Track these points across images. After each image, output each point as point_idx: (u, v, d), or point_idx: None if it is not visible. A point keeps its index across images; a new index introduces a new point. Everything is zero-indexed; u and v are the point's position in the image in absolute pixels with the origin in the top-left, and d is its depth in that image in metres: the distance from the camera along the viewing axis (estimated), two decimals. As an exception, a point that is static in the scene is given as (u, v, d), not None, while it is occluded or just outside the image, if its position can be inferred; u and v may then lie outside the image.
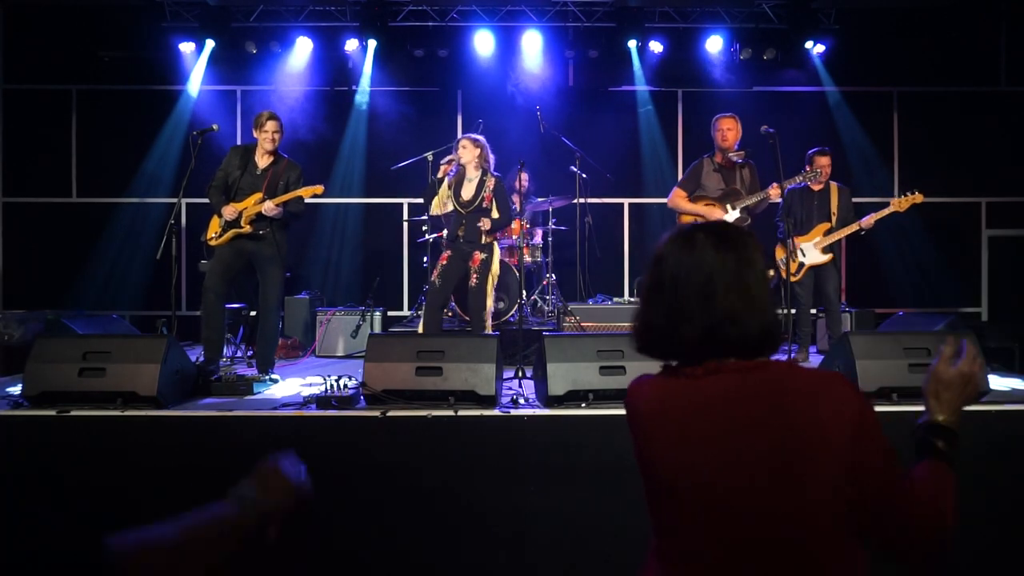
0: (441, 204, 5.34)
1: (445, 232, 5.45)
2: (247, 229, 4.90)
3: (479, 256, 5.27)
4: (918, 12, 7.81)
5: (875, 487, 1.28)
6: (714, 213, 5.13)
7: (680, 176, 6.54)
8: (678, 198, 5.24)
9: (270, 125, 4.98)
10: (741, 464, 1.30)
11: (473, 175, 5.27)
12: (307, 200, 5.08)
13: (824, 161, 5.90)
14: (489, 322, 5.36)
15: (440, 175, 5.35)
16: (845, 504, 1.27)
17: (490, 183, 5.25)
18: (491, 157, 5.30)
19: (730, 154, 5.10)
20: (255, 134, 5.03)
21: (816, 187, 5.99)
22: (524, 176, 6.07)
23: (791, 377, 1.35)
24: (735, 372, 1.37)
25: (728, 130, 5.11)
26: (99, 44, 7.91)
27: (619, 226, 8.25)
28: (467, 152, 5.24)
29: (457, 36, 7.85)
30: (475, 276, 5.27)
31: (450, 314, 6.51)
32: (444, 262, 5.28)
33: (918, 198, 5.68)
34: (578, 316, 6.12)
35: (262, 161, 5.03)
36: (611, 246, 8.09)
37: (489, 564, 3.50)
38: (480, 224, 5.23)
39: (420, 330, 5.42)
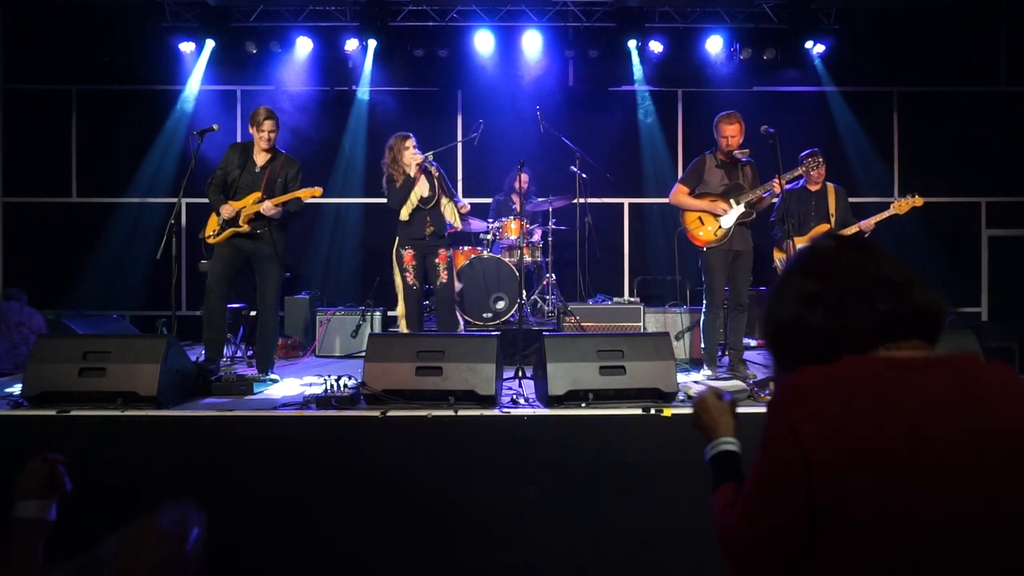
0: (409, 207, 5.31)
1: (405, 232, 5.35)
2: (245, 228, 4.90)
3: (445, 253, 5.37)
4: (918, 12, 7.80)
5: None
6: (719, 207, 5.11)
7: (680, 174, 6.54)
8: (681, 194, 5.22)
9: (267, 125, 4.95)
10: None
11: (419, 173, 5.29)
12: (306, 200, 5.08)
13: (817, 159, 5.91)
14: (460, 322, 5.42)
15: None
16: None
17: (435, 173, 5.36)
18: None
19: (735, 152, 5.09)
20: (251, 131, 5.00)
21: (813, 188, 5.99)
22: (524, 176, 6.07)
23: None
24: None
25: (732, 137, 5.08)
26: (99, 44, 7.91)
27: (619, 226, 8.25)
28: (409, 151, 5.23)
29: (457, 36, 7.85)
30: (445, 272, 5.36)
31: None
32: (413, 263, 5.31)
33: (918, 201, 5.68)
34: (578, 316, 6.12)
35: (260, 159, 5.02)
36: (611, 246, 8.08)
37: (489, 564, 3.50)
38: (456, 208, 5.39)
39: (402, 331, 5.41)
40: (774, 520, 1.22)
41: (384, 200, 5.50)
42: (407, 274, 5.30)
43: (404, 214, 5.29)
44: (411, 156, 5.22)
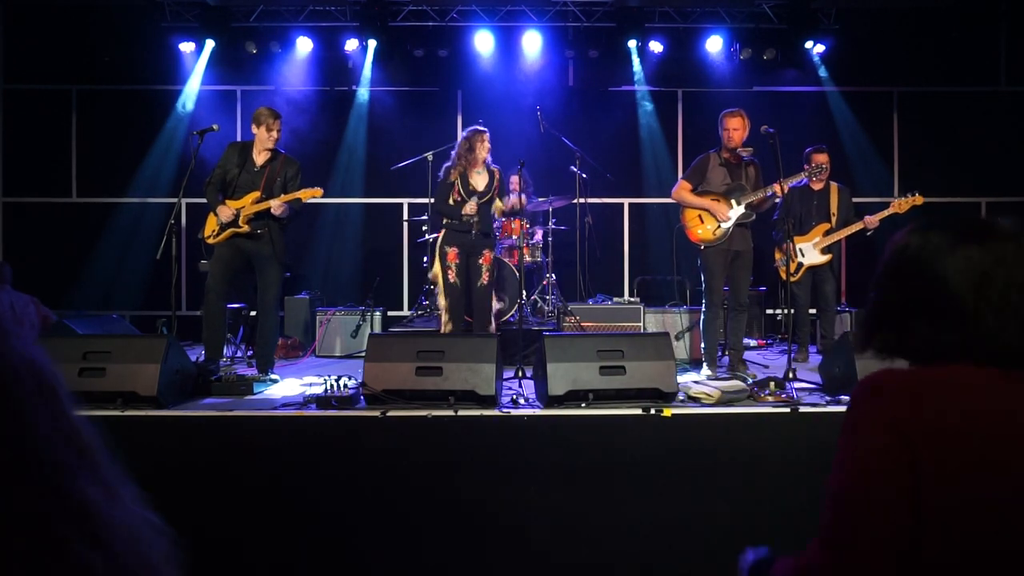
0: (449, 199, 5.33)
1: (451, 220, 5.33)
2: (245, 229, 4.90)
3: (489, 255, 5.34)
4: (918, 12, 7.81)
5: None
6: (720, 208, 5.11)
7: (680, 174, 6.54)
8: (683, 191, 5.21)
9: (277, 125, 4.99)
10: None
11: (482, 168, 5.33)
12: (306, 201, 5.08)
13: (822, 158, 5.90)
14: (494, 321, 5.38)
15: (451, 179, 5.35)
16: None
17: (496, 174, 5.38)
18: None
19: (739, 150, 5.09)
20: (256, 131, 4.99)
21: (816, 186, 5.98)
22: (514, 179, 6.07)
23: None
24: None
25: (735, 130, 5.09)
26: (99, 44, 7.91)
27: (619, 226, 8.25)
28: (485, 146, 5.30)
29: (457, 36, 7.85)
30: (486, 274, 5.32)
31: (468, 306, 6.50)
32: (457, 261, 5.29)
33: (918, 200, 5.68)
34: (578, 316, 6.11)
35: (260, 158, 5.02)
36: (611, 246, 8.08)
37: (488, 563, 3.50)
38: (495, 209, 5.41)
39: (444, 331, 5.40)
40: (879, 525, 1.07)
41: (389, 200, 5.48)
42: (449, 271, 5.30)
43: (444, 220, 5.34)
44: (485, 150, 5.28)
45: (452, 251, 5.31)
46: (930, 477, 1.05)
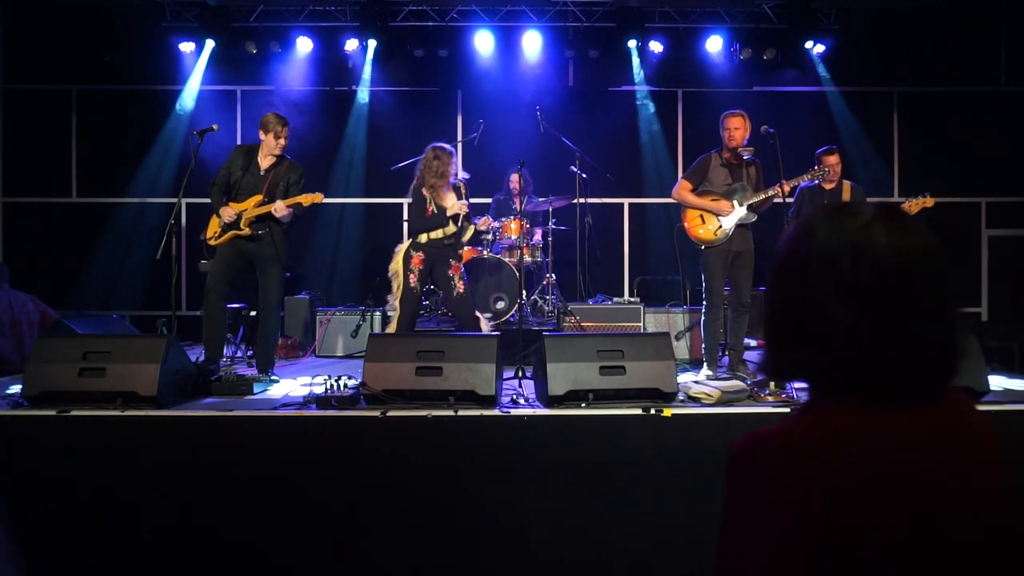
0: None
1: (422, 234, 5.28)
2: (246, 231, 4.91)
3: (457, 265, 5.29)
4: (918, 12, 7.81)
5: None
6: (722, 207, 5.10)
7: (680, 174, 6.53)
8: (684, 191, 5.21)
9: (286, 131, 5.03)
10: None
11: (448, 186, 5.27)
12: (306, 205, 5.08)
13: (832, 160, 5.89)
14: (486, 326, 5.36)
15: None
16: None
17: (462, 189, 5.32)
18: None
19: (740, 149, 5.09)
20: (263, 136, 5.02)
21: (828, 185, 5.97)
22: (515, 177, 6.06)
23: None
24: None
25: (736, 129, 5.09)
26: (99, 44, 7.92)
27: (619, 226, 8.25)
28: (453, 164, 5.24)
29: (457, 36, 7.85)
30: (461, 284, 5.26)
31: (451, 314, 6.51)
32: (420, 266, 5.23)
33: (928, 202, 5.63)
34: (578, 316, 6.12)
35: (265, 162, 5.04)
36: (611, 246, 8.09)
37: (488, 563, 3.50)
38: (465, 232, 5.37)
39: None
40: None
41: (389, 200, 5.47)
42: (411, 275, 5.23)
43: (423, 238, 5.23)
44: (453, 168, 5.24)
45: (418, 256, 5.21)
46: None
